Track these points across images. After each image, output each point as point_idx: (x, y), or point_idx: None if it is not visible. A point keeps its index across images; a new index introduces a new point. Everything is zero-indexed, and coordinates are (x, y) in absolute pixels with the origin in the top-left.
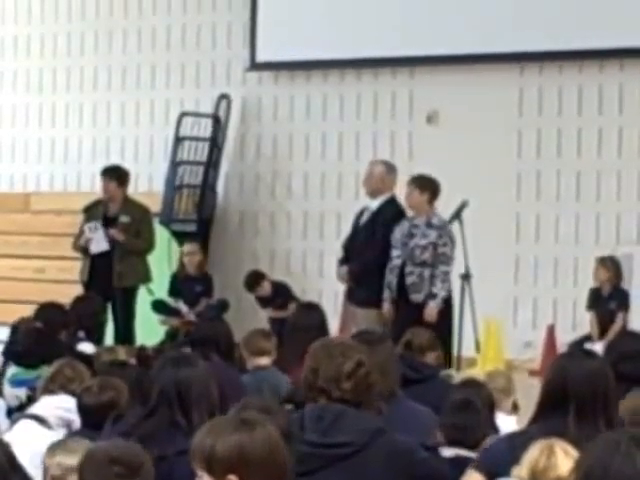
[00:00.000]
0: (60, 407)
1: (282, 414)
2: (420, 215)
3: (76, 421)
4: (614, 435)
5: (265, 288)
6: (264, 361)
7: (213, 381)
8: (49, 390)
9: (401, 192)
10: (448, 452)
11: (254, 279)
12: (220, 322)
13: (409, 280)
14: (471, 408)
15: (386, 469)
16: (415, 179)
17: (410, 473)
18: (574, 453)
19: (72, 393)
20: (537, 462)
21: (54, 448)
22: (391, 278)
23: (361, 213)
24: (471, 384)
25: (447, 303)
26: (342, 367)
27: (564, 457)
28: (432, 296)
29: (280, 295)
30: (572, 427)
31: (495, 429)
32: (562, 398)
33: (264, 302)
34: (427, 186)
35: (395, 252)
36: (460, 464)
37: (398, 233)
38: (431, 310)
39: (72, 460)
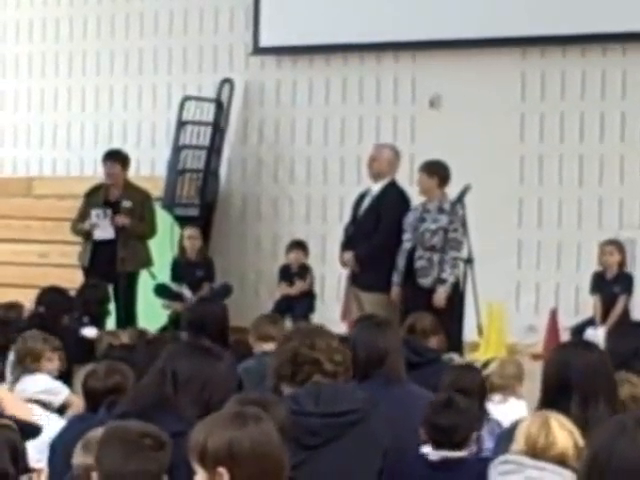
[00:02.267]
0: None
1: (280, 407)
2: (432, 200)
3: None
4: (621, 417)
5: (298, 259)
6: (269, 347)
7: (213, 371)
8: (34, 369)
9: (402, 176)
10: (434, 456)
11: (298, 244)
12: (212, 304)
13: (418, 264)
14: (454, 407)
15: (387, 432)
16: (424, 164)
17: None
18: (568, 424)
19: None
20: (535, 440)
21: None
22: (400, 261)
23: (361, 197)
24: (465, 368)
25: (456, 289)
26: (332, 341)
27: (560, 430)
28: (441, 281)
29: (299, 275)
30: (574, 417)
31: (480, 426)
32: (565, 390)
33: (284, 274)
34: (435, 170)
35: (406, 236)
36: (448, 466)
37: (411, 217)
38: (440, 295)
39: None
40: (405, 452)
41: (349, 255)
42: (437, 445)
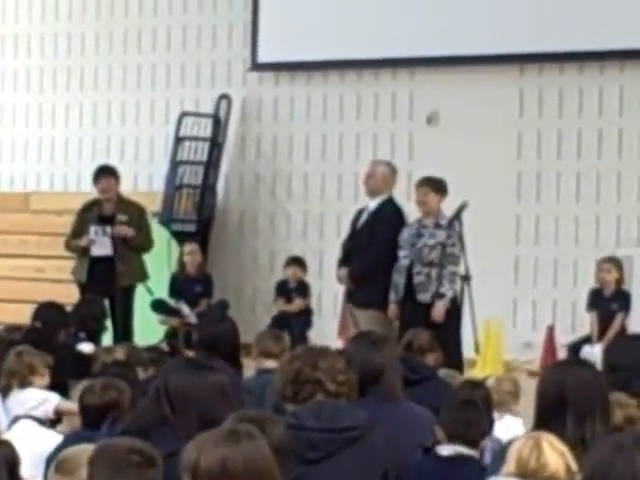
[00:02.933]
0: (39, 399)
1: (277, 425)
2: (429, 216)
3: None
4: (618, 437)
5: (296, 274)
6: (271, 364)
7: (214, 389)
8: (26, 383)
9: (399, 193)
10: (446, 450)
11: (296, 260)
12: (223, 323)
13: (417, 280)
14: (473, 405)
15: (387, 451)
16: (427, 182)
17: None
18: (559, 446)
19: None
20: (526, 462)
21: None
22: (398, 278)
23: (359, 214)
24: (471, 384)
25: (454, 303)
26: (337, 362)
27: (551, 452)
28: (440, 296)
29: (297, 291)
30: (570, 435)
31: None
32: (560, 409)
33: (281, 290)
34: (441, 188)
35: (403, 252)
36: (460, 462)
37: (406, 233)
38: (439, 310)
39: None
40: (402, 468)
41: (345, 272)
42: (452, 439)
